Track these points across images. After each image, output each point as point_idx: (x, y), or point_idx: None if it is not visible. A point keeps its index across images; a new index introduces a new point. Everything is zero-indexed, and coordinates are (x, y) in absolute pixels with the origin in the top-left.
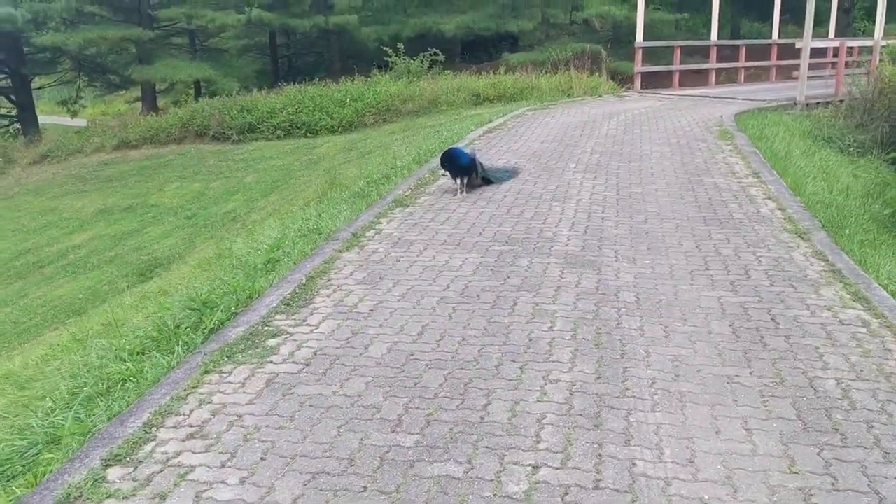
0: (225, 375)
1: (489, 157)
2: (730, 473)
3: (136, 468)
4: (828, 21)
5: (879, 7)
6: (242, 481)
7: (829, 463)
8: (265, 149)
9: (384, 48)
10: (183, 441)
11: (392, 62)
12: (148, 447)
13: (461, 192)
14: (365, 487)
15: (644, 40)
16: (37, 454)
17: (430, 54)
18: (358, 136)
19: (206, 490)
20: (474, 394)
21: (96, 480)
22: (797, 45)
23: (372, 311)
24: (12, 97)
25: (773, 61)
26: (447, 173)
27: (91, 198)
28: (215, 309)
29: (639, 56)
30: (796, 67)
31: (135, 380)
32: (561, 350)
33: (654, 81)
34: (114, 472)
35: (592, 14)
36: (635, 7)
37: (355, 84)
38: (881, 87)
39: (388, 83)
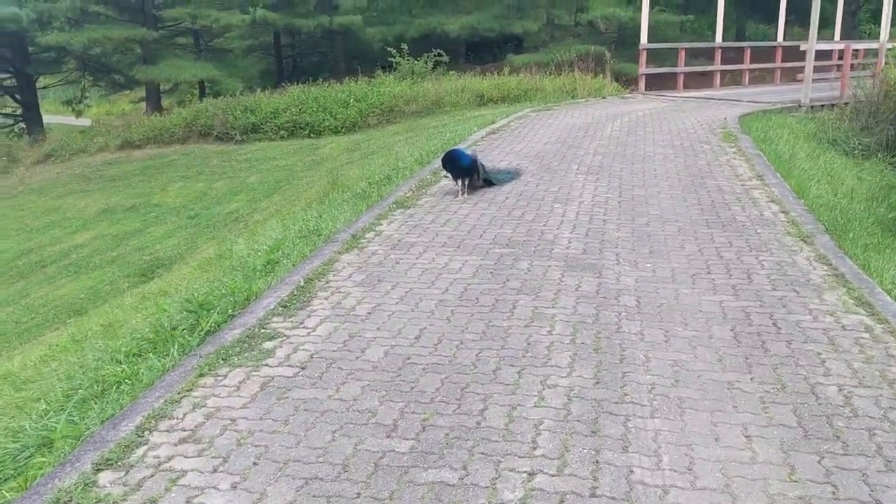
0: (220, 378)
1: (491, 159)
2: (729, 481)
3: (127, 472)
4: (833, 23)
5: (885, 9)
6: (234, 487)
7: (830, 471)
8: (268, 149)
9: (388, 49)
10: (175, 445)
11: (396, 63)
12: (140, 451)
13: (462, 194)
14: (358, 494)
15: (649, 42)
16: (29, 457)
17: (435, 55)
18: (361, 136)
19: (197, 495)
20: (471, 398)
21: (87, 485)
22: (802, 48)
23: (370, 313)
24: (17, 96)
25: (778, 63)
26: (448, 175)
27: (94, 197)
28: (212, 311)
29: (643, 58)
30: (801, 70)
31: (129, 382)
32: (560, 354)
33: (659, 83)
34: (105, 477)
35: (597, 15)
36: (640, 8)
37: (359, 84)
38: (886, 89)
39: (391, 84)
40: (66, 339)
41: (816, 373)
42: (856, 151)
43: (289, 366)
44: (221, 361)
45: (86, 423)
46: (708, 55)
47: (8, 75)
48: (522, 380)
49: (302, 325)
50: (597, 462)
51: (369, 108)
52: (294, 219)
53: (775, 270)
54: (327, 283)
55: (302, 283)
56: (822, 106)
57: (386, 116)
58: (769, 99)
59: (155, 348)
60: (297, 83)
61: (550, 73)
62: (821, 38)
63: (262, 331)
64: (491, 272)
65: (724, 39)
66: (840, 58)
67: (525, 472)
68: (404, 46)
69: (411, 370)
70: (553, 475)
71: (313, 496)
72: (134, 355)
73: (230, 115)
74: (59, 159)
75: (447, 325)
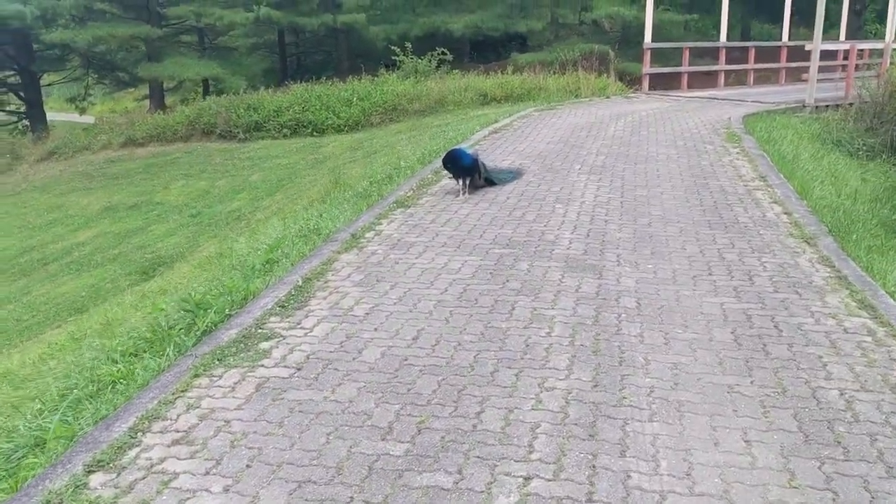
0: (215, 379)
1: (493, 158)
2: (727, 487)
3: (119, 474)
4: (839, 23)
5: (891, 10)
6: (226, 489)
7: (831, 477)
8: (271, 147)
9: (392, 47)
10: (168, 447)
11: (400, 61)
12: (132, 453)
13: (463, 194)
14: (351, 498)
15: (653, 41)
16: (22, 458)
17: (438, 54)
18: (364, 135)
19: (189, 498)
20: (468, 401)
21: (77, 487)
22: (807, 48)
23: (367, 314)
24: (21, 94)
25: (783, 63)
26: (450, 174)
27: (97, 195)
28: (208, 311)
29: (647, 57)
30: (806, 70)
31: (125, 382)
32: (558, 356)
33: (663, 83)
34: (96, 479)
35: (602, 15)
36: (644, 8)
37: (362, 83)
38: (891, 90)
39: (395, 82)
40: (65, 337)
41: (818, 376)
42: (860, 152)
43: (284, 367)
44: (217, 362)
45: (79, 424)
46: (712, 55)
47: (12, 73)
48: (520, 382)
49: (299, 326)
50: (594, 467)
51: (372, 107)
52: (295, 218)
53: (777, 272)
54: (326, 282)
55: (300, 283)
56: (827, 106)
57: (389, 115)
58: (773, 99)
59: (152, 347)
60: (301, 81)
61: (554, 73)
62: (826, 38)
63: (259, 331)
64: (490, 273)
65: (728, 39)
66: (845, 58)
67: (521, 476)
68: (408, 45)
69: (408, 372)
70: (549, 480)
71: (306, 500)
72: (130, 355)
73: (233, 114)
74: (62, 157)
75: (445, 325)
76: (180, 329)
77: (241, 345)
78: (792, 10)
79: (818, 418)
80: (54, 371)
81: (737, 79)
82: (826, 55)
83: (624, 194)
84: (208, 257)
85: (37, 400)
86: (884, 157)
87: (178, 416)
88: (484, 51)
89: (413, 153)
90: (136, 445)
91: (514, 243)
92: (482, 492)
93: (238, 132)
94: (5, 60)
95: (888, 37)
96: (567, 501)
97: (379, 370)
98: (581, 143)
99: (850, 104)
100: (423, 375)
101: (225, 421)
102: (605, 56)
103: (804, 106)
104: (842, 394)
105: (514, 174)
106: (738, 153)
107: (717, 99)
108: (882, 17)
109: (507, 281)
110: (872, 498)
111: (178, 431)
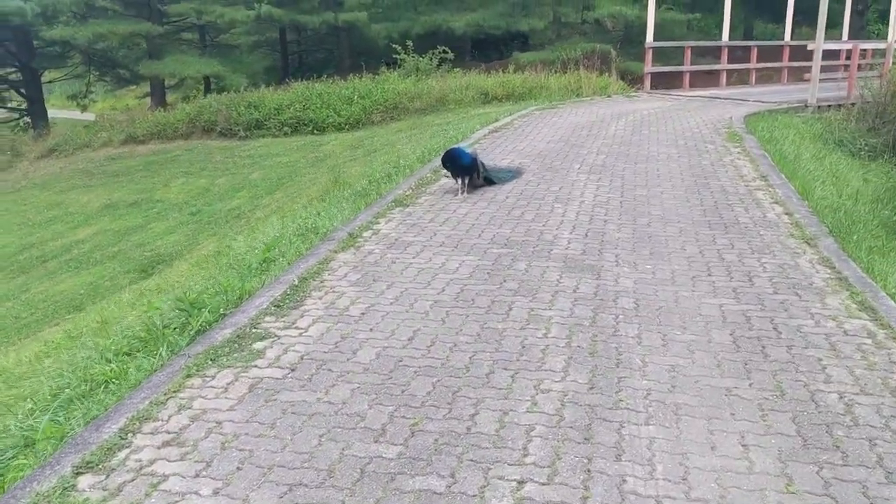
0: (207, 380)
1: (493, 157)
2: (724, 492)
3: (107, 476)
4: (841, 23)
5: (894, 10)
6: (216, 492)
7: (829, 482)
8: (272, 145)
9: (394, 45)
10: (158, 448)
11: (401, 60)
12: (122, 454)
13: (462, 193)
14: (343, 501)
15: (655, 40)
16: (11, 459)
17: (440, 52)
18: (365, 133)
19: (178, 501)
20: (462, 403)
21: (65, 489)
22: (809, 47)
23: (363, 314)
24: (22, 91)
25: (785, 63)
26: (448, 173)
27: (97, 192)
28: (202, 310)
29: (649, 56)
30: (808, 69)
31: (117, 382)
32: (554, 358)
33: (665, 82)
34: (84, 481)
35: (604, 14)
36: (647, 7)
37: (363, 81)
38: (894, 90)
39: (396, 81)
40: (62, 335)
41: (817, 379)
42: (862, 152)
43: (278, 367)
44: (210, 362)
45: (70, 424)
46: (714, 54)
47: (13, 69)
48: (515, 384)
49: (294, 326)
50: (588, 471)
51: (373, 105)
52: (294, 216)
53: (777, 273)
54: (322, 282)
55: (296, 282)
56: (829, 106)
57: (390, 114)
58: (775, 98)
59: (146, 347)
60: (302, 79)
61: (556, 72)
62: (828, 37)
63: (254, 331)
64: (488, 273)
65: (730, 38)
66: (847, 58)
67: (514, 480)
68: (409, 43)
69: (403, 373)
70: (543, 484)
71: (297, 503)
72: (124, 354)
73: (234, 111)
74: (62, 154)
75: (441, 326)
76: (174, 328)
77: (235, 345)
78: (794, 10)
79: (817, 422)
80: (49, 370)
81: (739, 78)
82: (828, 55)
83: (624, 194)
84: (206, 256)
85: (29, 399)
86: (886, 157)
87: (170, 416)
88: (485, 49)
89: (413, 152)
90: (126, 447)
91: (513, 243)
92: (475, 496)
93: (239, 130)
94: (6, 57)
95: (891, 37)
96: None
97: (373, 371)
98: (581, 142)
99: (853, 104)
100: (417, 377)
101: (216, 422)
102: (607, 55)
103: (806, 106)
104: (841, 397)
105: (513, 173)
106: (739, 153)
107: (719, 98)
108: (885, 17)
109: (505, 281)
110: (871, 503)
111: (168, 433)
